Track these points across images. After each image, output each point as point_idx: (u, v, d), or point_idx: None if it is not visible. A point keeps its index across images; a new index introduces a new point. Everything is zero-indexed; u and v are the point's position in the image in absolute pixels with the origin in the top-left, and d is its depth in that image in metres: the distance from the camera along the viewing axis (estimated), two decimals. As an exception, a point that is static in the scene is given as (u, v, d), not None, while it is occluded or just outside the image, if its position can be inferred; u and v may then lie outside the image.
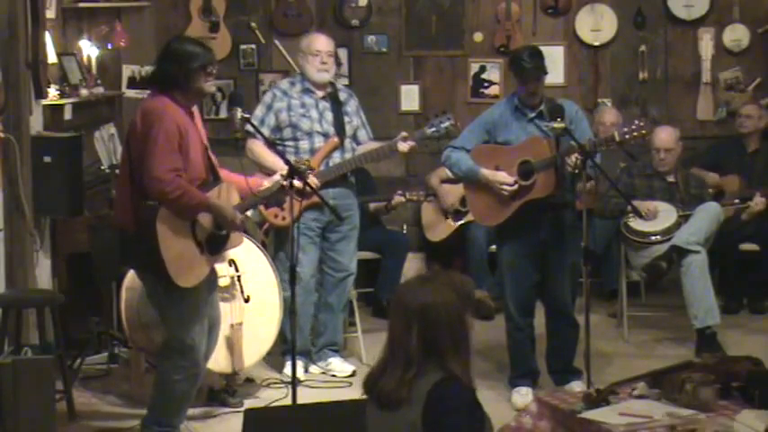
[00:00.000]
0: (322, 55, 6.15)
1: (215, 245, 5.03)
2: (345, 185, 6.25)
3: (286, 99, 6.18)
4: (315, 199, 5.69)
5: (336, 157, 6.15)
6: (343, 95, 6.31)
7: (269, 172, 5.68)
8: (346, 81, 8.22)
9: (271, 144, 5.77)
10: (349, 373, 6.26)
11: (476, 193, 5.93)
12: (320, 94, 6.21)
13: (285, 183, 5.07)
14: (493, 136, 5.83)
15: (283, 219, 6.09)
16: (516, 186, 5.70)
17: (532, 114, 5.76)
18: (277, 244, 6.30)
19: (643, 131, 5.60)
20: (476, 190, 5.91)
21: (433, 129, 6.12)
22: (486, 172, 5.77)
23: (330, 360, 6.33)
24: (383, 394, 3.10)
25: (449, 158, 5.90)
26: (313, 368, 6.33)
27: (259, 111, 6.19)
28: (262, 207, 6.03)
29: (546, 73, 5.80)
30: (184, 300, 4.94)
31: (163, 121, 4.79)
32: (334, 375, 6.26)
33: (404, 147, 6.07)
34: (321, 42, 6.21)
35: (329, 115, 6.19)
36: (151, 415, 5.14)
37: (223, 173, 5.16)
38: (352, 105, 6.32)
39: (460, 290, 3.12)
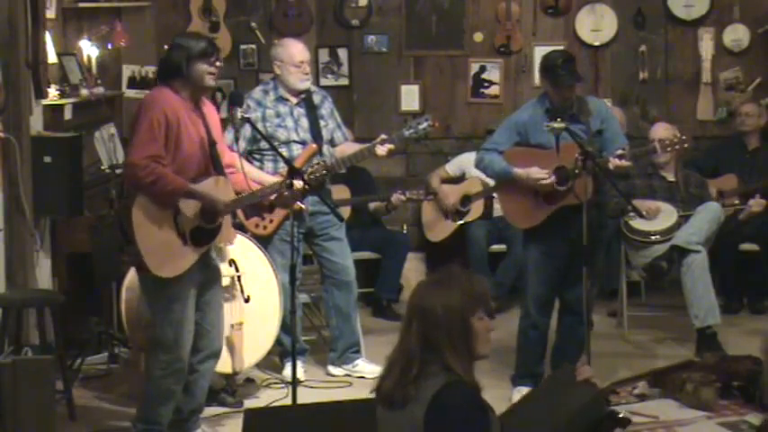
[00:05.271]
0: (304, 65, 6.15)
1: (202, 237, 4.99)
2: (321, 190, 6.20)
3: (260, 110, 6.11)
4: (297, 206, 5.67)
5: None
6: (317, 98, 6.25)
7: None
8: (346, 81, 8.23)
9: (270, 143, 5.74)
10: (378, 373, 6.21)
11: (509, 196, 5.89)
12: (294, 100, 6.17)
13: (286, 182, 5.06)
14: (524, 138, 5.78)
15: (264, 228, 6.08)
16: (553, 178, 5.67)
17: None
18: None
19: (685, 144, 5.68)
20: (509, 192, 5.87)
21: (412, 130, 6.05)
22: (520, 171, 5.72)
23: (356, 362, 6.30)
24: (385, 392, 3.15)
25: (482, 160, 5.86)
26: (338, 371, 6.31)
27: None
28: (242, 216, 5.97)
29: (581, 80, 5.79)
30: (169, 294, 4.94)
31: (151, 110, 4.83)
32: (362, 377, 6.22)
33: (382, 150, 6.00)
34: (302, 52, 6.17)
35: (305, 122, 6.15)
36: (138, 412, 5.17)
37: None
38: (326, 108, 6.26)
39: (469, 290, 3.12)
